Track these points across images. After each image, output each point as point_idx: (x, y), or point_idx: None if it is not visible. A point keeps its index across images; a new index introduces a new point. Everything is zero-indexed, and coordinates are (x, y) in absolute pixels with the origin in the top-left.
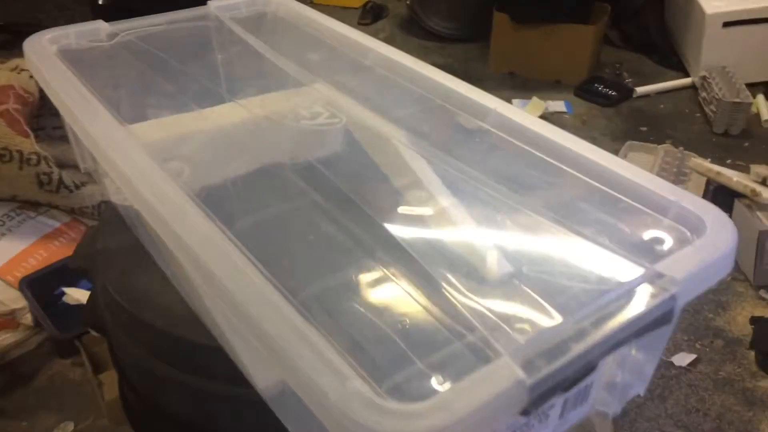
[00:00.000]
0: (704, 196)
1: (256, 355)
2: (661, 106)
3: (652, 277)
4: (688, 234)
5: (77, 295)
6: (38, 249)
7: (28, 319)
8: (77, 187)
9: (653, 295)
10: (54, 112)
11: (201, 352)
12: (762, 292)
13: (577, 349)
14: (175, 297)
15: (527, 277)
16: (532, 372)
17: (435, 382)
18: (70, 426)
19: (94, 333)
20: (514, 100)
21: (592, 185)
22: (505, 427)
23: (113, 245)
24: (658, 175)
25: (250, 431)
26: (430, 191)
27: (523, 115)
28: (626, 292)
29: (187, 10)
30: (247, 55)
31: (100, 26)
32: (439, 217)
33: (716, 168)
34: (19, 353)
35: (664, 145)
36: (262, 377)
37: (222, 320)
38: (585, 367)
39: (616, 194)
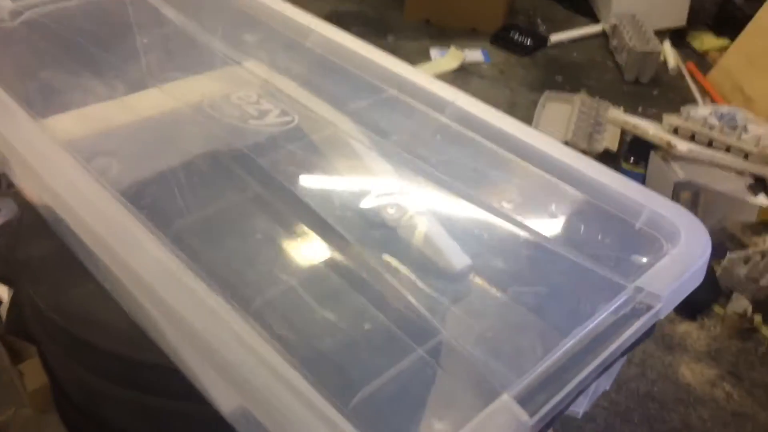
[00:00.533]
0: (620, 147)
1: (218, 381)
2: (575, 54)
3: (635, 295)
4: (663, 241)
5: None
6: None
7: None
8: None
9: (638, 314)
10: None
11: (151, 371)
12: None
13: (575, 380)
14: (116, 311)
15: (514, 296)
16: (533, 409)
17: (437, 426)
18: None
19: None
20: (432, 50)
21: (561, 186)
22: None
23: (37, 253)
24: (576, 125)
25: None
26: (392, 195)
27: (483, 107)
28: (613, 314)
29: None
30: (170, 33)
31: (2, 3)
32: (394, 212)
33: (632, 120)
34: None
35: (580, 94)
36: (223, 401)
37: (174, 340)
38: (579, 393)
39: (588, 197)
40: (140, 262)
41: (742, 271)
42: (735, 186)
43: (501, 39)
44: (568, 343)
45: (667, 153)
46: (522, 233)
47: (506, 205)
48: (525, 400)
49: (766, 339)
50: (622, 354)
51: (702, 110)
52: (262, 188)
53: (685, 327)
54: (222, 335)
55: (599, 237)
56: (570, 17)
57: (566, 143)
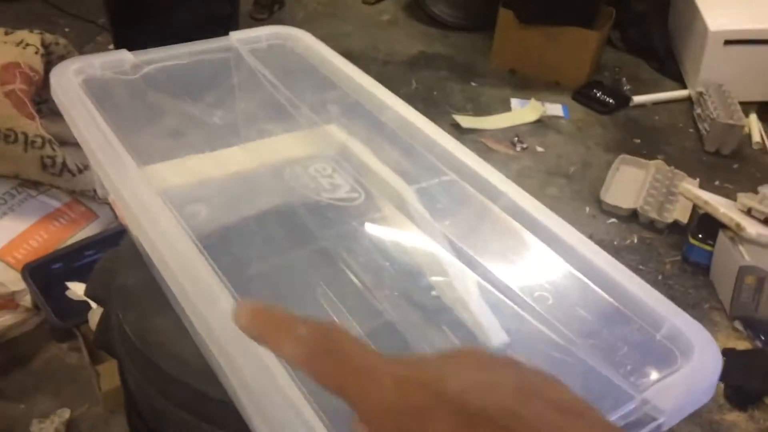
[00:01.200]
0: (690, 221)
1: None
2: (656, 117)
3: (641, 406)
4: (677, 354)
5: (80, 291)
6: (39, 230)
7: (27, 300)
8: (80, 170)
9: (640, 423)
10: None
11: (213, 405)
12: (736, 323)
13: None
14: (189, 344)
15: None
16: None
17: None
18: (67, 413)
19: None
20: (513, 100)
21: (596, 292)
22: None
23: (130, 282)
24: (648, 193)
25: None
26: (444, 269)
27: (533, 202)
28: (618, 421)
29: (209, 40)
30: (264, 92)
31: (125, 56)
32: (457, 296)
33: (704, 196)
34: (17, 334)
35: (656, 161)
36: None
37: (233, 383)
38: None
39: (615, 304)
40: (211, 313)
41: None
42: None
43: (583, 95)
44: None
45: (736, 234)
46: (550, 333)
47: (539, 304)
48: None
49: None
50: None
51: None
52: (330, 242)
53: (734, 417)
54: (269, 391)
55: (619, 344)
56: (656, 79)
57: (635, 210)
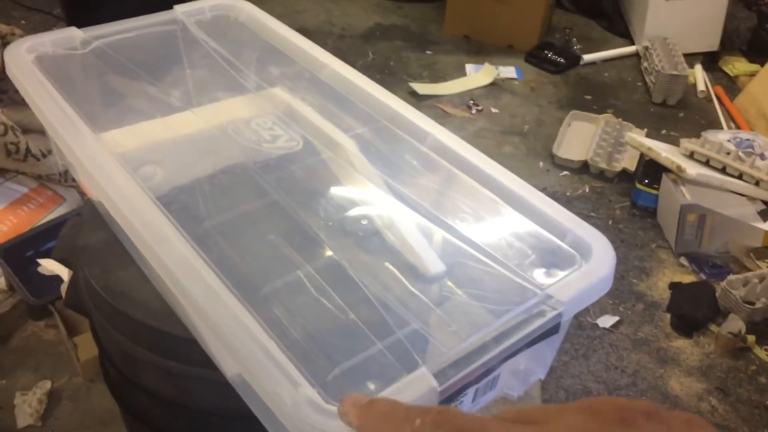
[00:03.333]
0: (638, 169)
1: (221, 351)
2: (606, 74)
3: (544, 299)
4: (578, 257)
5: (51, 266)
6: (8, 215)
7: (1, 282)
8: (44, 155)
9: (542, 314)
10: None
11: (176, 341)
12: (682, 260)
13: (480, 360)
14: (152, 291)
15: (447, 296)
16: (442, 380)
17: (370, 386)
18: (48, 384)
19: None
20: (468, 65)
21: (514, 214)
22: None
23: (93, 241)
24: (598, 145)
25: (218, 406)
26: (376, 198)
27: (456, 140)
28: (522, 313)
29: (154, 15)
30: (210, 61)
31: (74, 33)
32: (385, 223)
33: (648, 143)
34: None
35: (605, 115)
36: (227, 368)
37: (192, 317)
38: (486, 373)
39: (528, 220)
40: (167, 255)
41: (740, 293)
42: (744, 211)
43: (535, 57)
44: (480, 333)
45: (678, 176)
46: (473, 251)
47: (460, 224)
48: (438, 372)
49: (756, 358)
50: (528, 346)
51: (721, 135)
52: (280, 195)
53: (681, 343)
54: (226, 317)
55: (529, 253)
56: (606, 38)
57: (586, 162)
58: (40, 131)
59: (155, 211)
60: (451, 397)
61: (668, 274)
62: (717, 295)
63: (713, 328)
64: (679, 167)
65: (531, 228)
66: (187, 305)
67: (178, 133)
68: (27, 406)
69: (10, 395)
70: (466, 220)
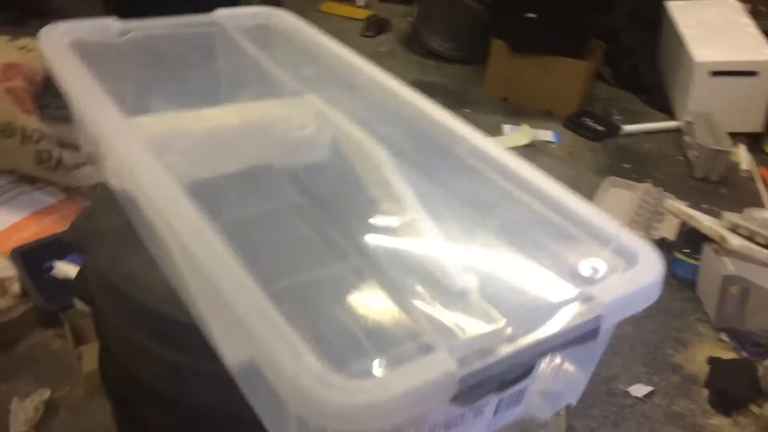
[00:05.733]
0: (678, 238)
1: (226, 332)
2: (646, 145)
3: (584, 299)
4: (623, 264)
5: (66, 269)
6: (31, 222)
7: (16, 288)
8: (75, 167)
9: (581, 314)
10: (58, 93)
11: (177, 328)
12: (722, 335)
13: (506, 350)
14: (159, 277)
15: (481, 291)
16: (464, 366)
17: (377, 366)
18: (47, 393)
19: (80, 304)
20: (505, 126)
21: (550, 215)
22: (442, 417)
23: (106, 224)
24: (636, 213)
25: (217, 404)
26: (403, 205)
27: (492, 144)
28: (557, 309)
29: (194, 15)
30: (247, 63)
31: (111, 23)
32: (409, 230)
33: (689, 211)
34: (4, 320)
35: (644, 184)
36: (230, 353)
37: (200, 299)
38: (513, 368)
39: (568, 223)
40: (189, 234)
41: None
42: None
43: (574, 123)
44: (512, 323)
45: (720, 247)
46: (507, 250)
47: (498, 228)
48: (460, 358)
49: None
50: (562, 347)
51: (766, 213)
52: (303, 199)
53: (719, 421)
54: (240, 295)
55: (571, 256)
56: (646, 111)
57: None
58: (75, 146)
59: (178, 194)
60: (471, 389)
61: (707, 349)
62: (759, 375)
63: (754, 408)
64: (722, 237)
65: (574, 232)
66: (196, 282)
67: (207, 127)
68: (22, 412)
69: (8, 401)
70: (505, 225)
